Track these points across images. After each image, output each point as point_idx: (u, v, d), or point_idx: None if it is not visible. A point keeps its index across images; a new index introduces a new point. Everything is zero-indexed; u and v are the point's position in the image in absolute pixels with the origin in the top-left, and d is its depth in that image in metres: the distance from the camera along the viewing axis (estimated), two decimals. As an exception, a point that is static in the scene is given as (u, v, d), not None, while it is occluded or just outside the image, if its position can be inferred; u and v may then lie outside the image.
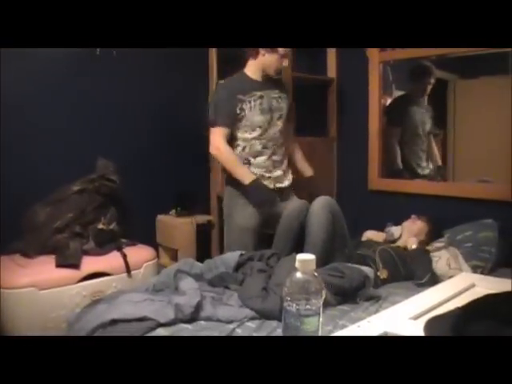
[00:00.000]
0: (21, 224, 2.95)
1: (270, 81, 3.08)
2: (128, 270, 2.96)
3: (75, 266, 2.77)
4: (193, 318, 1.97)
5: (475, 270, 2.66)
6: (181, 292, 2.13)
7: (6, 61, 2.96)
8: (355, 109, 3.11)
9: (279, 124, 3.06)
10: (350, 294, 2.22)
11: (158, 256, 3.39)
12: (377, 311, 1.98)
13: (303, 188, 3.15)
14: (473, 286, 1.75)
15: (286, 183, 3.07)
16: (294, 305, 1.16)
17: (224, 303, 2.13)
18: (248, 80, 3.03)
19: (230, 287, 2.32)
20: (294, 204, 2.85)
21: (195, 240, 3.77)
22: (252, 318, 1.99)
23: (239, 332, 1.89)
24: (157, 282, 2.37)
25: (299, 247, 2.68)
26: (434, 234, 3.03)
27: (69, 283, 2.71)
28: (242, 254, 2.56)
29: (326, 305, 2.06)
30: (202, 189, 4.10)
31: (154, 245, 3.66)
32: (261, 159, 2.99)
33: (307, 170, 3.21)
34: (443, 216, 3.10)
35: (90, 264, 2.84)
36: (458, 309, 1.14)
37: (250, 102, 2.98)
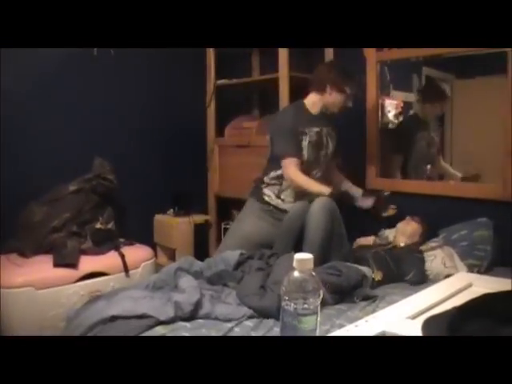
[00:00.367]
0: (18, 223, 2.95)
1: (325, 116, 3.11)
2: (126, 269, 2.97)
3: (73, 265, 2.78)
4: (191, 316, 1.97)
5: (471, 268, 2.67)
6: (180, 290, 2.13)
7: (3, 61, 2.96)
8: (352, 108, 3.11)
9: (323, 160, 3.12)
10: (348, 293, 2.23)
11: (155, 255, 3.39)
12: (374, 311, 1.98)
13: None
14: (470, 285, 1.75)
15: None
16: (292, 304, 1.16)
17: (222, 301, 2.13)
18: (307, 113, 3.05)
19: (229, 285, 2.33)
20: (296, 205, 2.86)
21: (193, 239, 3.79)
22: (250, 317, 1.99)
23: (237, 331, 1.89)
24: (157, 280, 2.38)
25: (299, 247, 2.69)
26: (428, 234, 3.03)
27: (66, 283, 2.72)
28: (242, 253, 2.57)
29: (324, 303, 2.06)
30: (200, 189, 4.11)
31: (152, 244, 3.67)
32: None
33: (357, 191, 3.21)
34: (439, 215, 3.11)
35: (87, 263, 2.84)
36: (456, 308, 1.15)
37: (307, 136, 3.01)
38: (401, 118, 3.65)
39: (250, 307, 2.04)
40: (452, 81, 3.46)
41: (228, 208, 4.10)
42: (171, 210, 3.88)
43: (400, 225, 3.05)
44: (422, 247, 2.89)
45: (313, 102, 3.05)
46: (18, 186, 3.01)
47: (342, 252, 2.75)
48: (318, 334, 1.22)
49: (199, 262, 2.56)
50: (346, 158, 3.35)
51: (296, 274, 1.19)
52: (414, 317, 1.41)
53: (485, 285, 1.72)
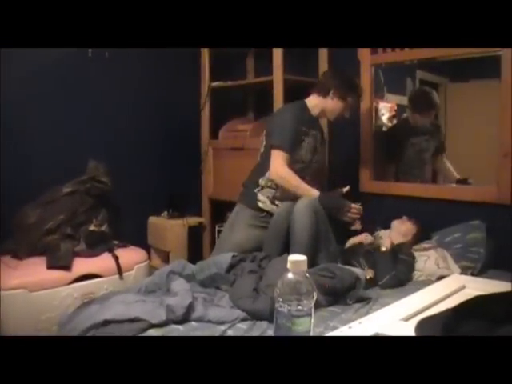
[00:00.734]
0: (12, 225, 2.94)
1: (318, 121, 3.15)
2: (119, 271, 2.96)
3: (66, 267, 2.77)
4: (184, 319, 1.97)
5: (465, 270, 2.68)
6: (172, 293, 2.13)
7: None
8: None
9: (316, 165, 3.11)
10: (341, 295, 2.23)
11: (149, 258, 3.38)
12: (367, 313, 1.99)
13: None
14: (463, 287, 1.76)
15: None
16: (286, 305, 1.17)
17: (215, 304, 2.13)
18: (309, 114, 3.05)
19: (222, 288, 2.33)
20: (280, 207, 2.86)
21: (187, 242, 3.78)
22: (243, 320, 1.99)
23: (230, 333, 1.89)
24: (149, 283, 2.37)
25: (288, 248, 2.69)
26: (421, 237, 3.04)
27: (60, 285, 2.71)
28: (234, 256, 2.56)
29: (317, 305, 2.06)
30: (194, 191, 4.11)
31: (146, 247, 3.67)
32: None
33: None
34: (433, 218, 3.12)
35: (81, 266, 2.84)
36: (449, 310, 1.15)
37: (307, 137, 3.01)
38: (394, 121, 3.66)
39: (243, 310, 2.03)
40: (446, 84, 3.47)
41: (222, 210, 4.10)
42: (165, 213, 3.88)
43: (395, 222, 3.06)
44: (415, 247, 2.91)
45: (314, 104, 3.05)
46: (11, 188, 3.01)
47: (330, 251, 2.75)
48: (311, 335, 1.23)
49: (192, 265, 2.55)
50: (340, 161, 3.36)
51: (290, 275, 1.20)
52: (407, 319, 1.41)
53: (478, 287, 1.73)
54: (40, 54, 3.03)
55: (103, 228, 3.16)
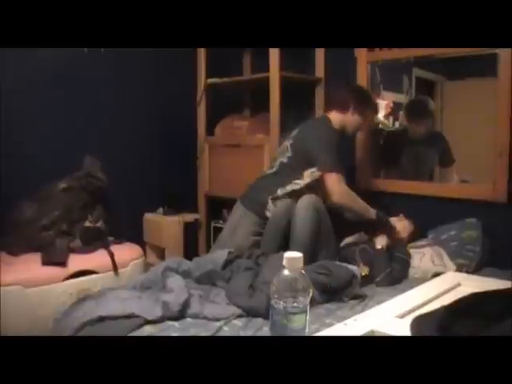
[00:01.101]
0: (7, 221, 2.93)
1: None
2: (115, 268, 2.95)
3: (61, 264, 2.76)
4: (180, 316, 1.96)
5: (460, 268, 2.68)
6: (168, 289, 2.13)
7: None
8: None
9: None
10: (337, 292, 2.23)
11: (145, 254, 3.38)
12: (363, 310, 1.99)
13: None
14: (458, 285, 1.76)
15: None
16: (282, 302, 1.17)
17: (211, 301, 2.13)
18: (335, 130, 3.05)
19: (218, 284, 2.33)
20: (281, 204, 2.85)
21: (182, 239, 3.78)
22: (239, 316, 1.99)
23: (226, 330, 1.88)
24: (144, 280, 2.37)
25: (287, 246, 2.68)
26: (417, 235, 3.05)
27: (55, 281, 2.70)
28: (230, 252, 2.56)
29: (313, 303, 2.07)
30: (190, 187, 4.10)
31: (141, 243, 3.66)
32: None
33: None
34: (429, 215, 3.13)
35: (76, 262, 2.83)
36: (444, 307, 1.15)
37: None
38: (391, 119, 3.65)
39: (238, 307, 2.03)
40: (442, 82, 3.47)
41: (218, 207, 4.10)
42: (161, 209, 3.88)
43: (392, 219, 3.06)
44: (411, 245, 2.92)
45: (336, 120, 3.05)
46: (7, 184, 3.00)
47: (330, 250, 2.75)
48: (307, 332, 1.23)
49: (187, 262, 2.55)
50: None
51: (286, 272, 1.20)
52: (402, 316, 1.41)
53: (473, 284, 1.73)
54: (35, 50, 3.01)
55: (99, 224, 3.16)
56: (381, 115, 3.63)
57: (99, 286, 2.78)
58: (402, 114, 3.67)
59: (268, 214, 2.92)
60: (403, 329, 1.20)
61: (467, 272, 2.63)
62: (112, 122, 3.61)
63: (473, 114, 3.19)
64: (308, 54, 3.76)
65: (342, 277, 2.27)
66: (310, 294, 1.19)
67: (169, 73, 3.92)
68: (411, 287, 1.84)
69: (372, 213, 2.95)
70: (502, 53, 2.79)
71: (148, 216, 3.90)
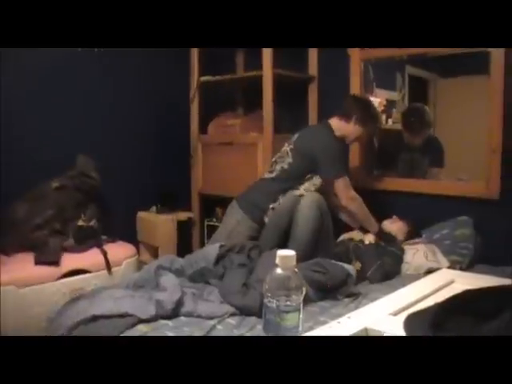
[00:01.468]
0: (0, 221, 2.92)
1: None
2: (108, 267, 2.95)
3: (55, 263, 2.75)
4: (173, 314, 1.96)
5: (454, 265, 2.69)
6: (162, 288, 2.12)
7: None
8: (336, 106, 3.12)
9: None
10: (332, 291, 2.23)
11: (138, 253, 3.37)
12: (357, 307, 1.99)
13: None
14: (452, 281, 1.76)
15: None
16: (275, 301, 1.17)
17: (205, 299, 2.13)
18: (336, 136, 3.05)
19: (211, 282, 2.32)
20: (285, 200, 2.85)
21: (176, 237, 3.77)
22: (232, 315, 1.99)
23: (220, 328, 1.88)
24: (138, 278, 2.36)
25: (286, 243, 2.69)
26: (413, 235, 3.06)
27: (48, 281, 2.69)
28: (221, 246, 2.56)
29: (308, 300, 2.07)
30: (183, 186, 4.10)
31: (135, 242, 3.66)
32: None
33: None
34: (421, 213, 3.14)
35: (69, 261, 2.82)
36: (437, 305, 1.15)
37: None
38: (384, 116, 3.65)
39: (232, 305, 2.03)
40: (435, 80, 3.48)
41: (211, 205, 4.10)
42: (154, 208, 3.87)
43: (386, 222, 3.07)
44: (404, 243, 2.93)
45: (337, 127, 3.05)
46: (1, 183, 2.99)
47: (328, 249, 2.75)
48: (300, 330, 1.23)
49: (180, 260, 2.54)
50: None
51: (278, 270, 1.19)
52: (396, 313, 1.41)
53: (466, 281, 1.73)
54: (28, 49, 3.00)
55: (92, 223, 3.15)
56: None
57: (92, 285, 2.78)
58: (395, 111, 3.68)
59: (266, 220, 2.92)
60: (397, 326, 1.20)
61: (461, 269, 2.64)
62: (105, 120, 3.60)
63: (465, 112, 3.19)
64: (301, 52, 3.76)
65: (338, 275, 2.27)
66: (303, 293, 1.19)
67: (162, 71, 3.92)
68: (404, 284, 1.84)
69: (374, 225, 2.99)
70: (494, 51, 2.80)
71: (141, 214, 3.89)
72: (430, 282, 1.76)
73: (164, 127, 3.94)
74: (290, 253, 1.20)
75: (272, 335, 1.21)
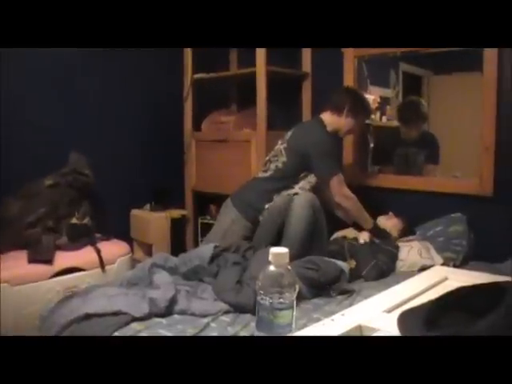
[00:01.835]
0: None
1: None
2: (102, 265, 2.94)
3: (48, 261, 2.74)
4: (167, 312, 1.96)
5: (447, 261, 2.70)
6: (155, 286, 2.12)
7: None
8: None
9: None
10: (325, 288, 2.23)
11: (132, 251, 3.37)
12: (351, 305, 1.99)
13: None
14: (445, 279, 1.76)
15: None
16: (268, 298, 1.16)
17: (198, 297, 2.12)
18: (328, 131, 3.05)
19: (205, 280, 2.32)
20: (278, 199, 2.85)
21: (170, 235, 3.77)
22: (226, 312, 1.99)
23: (214, 326, 1.88)
24: (131, 276, 2.36)
25: (280, 242, 2.68)
26: (407, 232, 3.07)
27: (42, 279, 2.68)
28: (216, 246, 2.55)
29: (301, 298, 2.07)
30: (177, 183, 4.09)
31: (129, 239, 3.65)
32: None
33: None
34: (415, 210, 3.14)
35: (63, 259, 2.82)
36: (431, 302, 1.15)
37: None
38: (378, 114, 3.66)
39: (226, 303, 2.03)
40: (429, 77, 3.48)
41: (205, 203, 4.09)
42: (148, 205, 3.86)
43: (381, 218, 3.08)
44: (398, 240, 2.93)
45: (329, 121, 3.05)
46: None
47: (322, 248, 2.75)
48: (293, 328, 1.22)
49: (174, 258, 2.54)
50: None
51: (271, 268, 1.19)
52: (389, 310, 1.41)
53: (460, 278, 1.73)
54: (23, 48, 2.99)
55: (85, 221, 3.14)
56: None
57: (86, 283, 2.77)
58: (389, 108, 3.68)
59: (261, 218, 2.92)
60: (391, 323, 1.20)
61: (454, 266, 2.65)
62: (99, 118, 3.59)
63: (459, 108, 3.21)
64: (295, 49, 3.76)
65: (331, 272, 2.27)
66: (297, 290, 1.19)
67: (155, 68, 3.91)
68: (398, 282, 1.84)
69: (369, 222, 2.99)
70: (487, 49, 2.80)
71: (135, 212, 3.88)
72: (424, 279, 1.76)
73: (158, 125, 3.93)
74: (282, 250, 1.20)
75: (265, 333, 1.21)
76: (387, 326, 1.22)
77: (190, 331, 1.82)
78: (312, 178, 2.96)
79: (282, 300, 1.15)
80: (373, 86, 3.66)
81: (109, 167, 3.54)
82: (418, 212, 3.12)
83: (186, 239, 4.16)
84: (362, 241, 2.86)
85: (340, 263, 2.42)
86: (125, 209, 3.83)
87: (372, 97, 3.61)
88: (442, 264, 2.62)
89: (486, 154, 2.85)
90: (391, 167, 3.54)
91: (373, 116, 3.59)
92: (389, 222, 3.06)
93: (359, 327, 1.28)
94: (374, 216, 3.06)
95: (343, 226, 3.14)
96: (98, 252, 2.96)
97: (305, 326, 1.78)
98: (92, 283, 2.72)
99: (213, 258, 2.46)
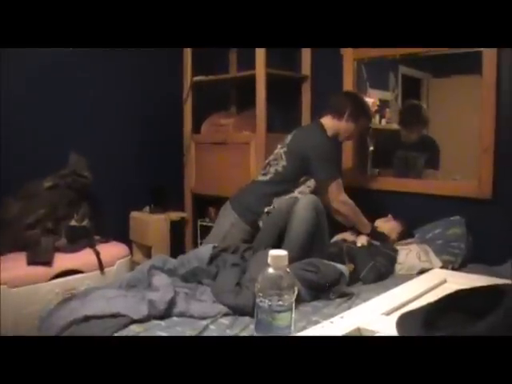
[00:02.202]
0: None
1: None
2: (101, 267, 2.94)
3: (47, 263, 2.74)
4: (166, 314, 1.96)
5: (446, 264, 2.70)
6: (154, 288, 2.12)
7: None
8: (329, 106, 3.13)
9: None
10: (324, 290, 2.23)
11: (131, 253, 3.37)
12: (349, 307, 1.99)
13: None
14: (444, 281, 1.76)
15: None
16: (267, 301, 1.16)
17: (197, 299, 2.12)
18: (328, 135, 3.05)
19: (203, 282, 2.31)
20: (283, 202, 2.84)
21: (169, 237, 3.77)
22: (225, 314, 1.99)
23: (212, 328, 1.88)
24: (130, 278, 2.36)
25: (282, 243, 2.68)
26: (406, 235, 3.07)
27: (41, 281, 2.68)
28: (215, 247, 2.55)
29: (300, 300, 2.06)
30: (176, 186, 4.09)
31: (128, 242, 3.65)
32: None
33: None
34: (414, 212, 3.14)
35: (62, 261, 2.82)
36: (430, 304, 1.15)
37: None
38: (377, 116, 3.66)
39: (225, 305, 2.03)
40: (428, 79, 3.49)
41: (204, 205, 4.09)
42: (147, 207, 3.86)
43: (379, 221, 3.07)
44: (397, 243, 2.93)
45: (329, 125, 3.05)
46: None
47: (323, 251, 2.74)
48: (292, 330, 1.22)
49: (173, 260, 2.54)
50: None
51: (270, 270, 1.19)
52: (388, 313, 1.41)
53: (459, 281, 1.73)
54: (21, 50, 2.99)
55: (84, 223, 3.14)
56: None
57: (85, 285, 2.77)
58: (388, 111, 3.68)
59: (261, 224, 2.91)
60: (389, 326, 1.20)
61: (453, 268, 2.65)
62: (98, 119, 3.59)
63: (458, 111, 3.20)
64: (294, 51, 3.77)
65: (330, 275, 2.27)
66: (295, 292, 1.19)
67: (155, 71, 3.91)
68: (397, 284, 1.84)
69: (367, 226, 3.00)
70: (487, 51, 2.81)
71: (134, 214, 3.88)
72: (423, 282, 1.76)
73: (157, 127, 3.93)
74: (281, 252, 1.20)
75: (264, 335, 1.21)
76: (386, 329, 1.23)
77: (188, 333, 1.82)
78: (311, 183, 2.95)
79: (281, 302, 1.15)
80: (372, 88, 3.66)
81: (108, 169, 3.54)
82: (417, 215, 3.12)
83: (185, 242, 4.16)
84: (359, 244, 2.86)
85: (340, 266, 2.42)
86: (124, 211, 3.83)
87: (371, 100, 3.61)
88: (441, 267, 2.61)
89: (485, 156, 2.85)
90: (391, 170, 3.53)
91: (372, 119, 3.59)
92: (387, 225, 3.06)
93: (358, 330, 1.28)
94: (373, 219, 3.06)
95: (343, 228, 3.14)
96: (97, 254, 2.96)
97: (304, 328, 1.77)
98: (91, 285, 2.72)
99: (211, 259, 2.46)
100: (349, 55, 3.48)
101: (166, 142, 4.00)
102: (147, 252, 3.78)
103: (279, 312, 1.16)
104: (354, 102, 3.08)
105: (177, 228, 3.94)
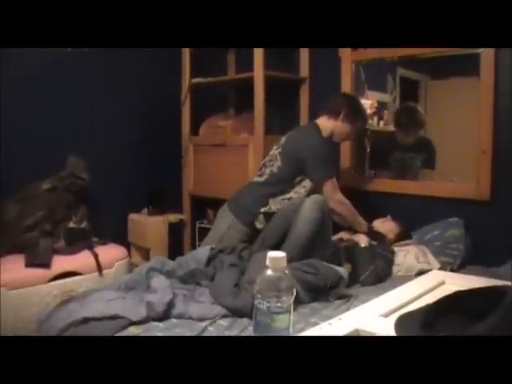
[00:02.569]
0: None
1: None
2: (99, 269, 2.94)
3: (45, 265, 2.74)
4: (165, 316, 1.96)
5: (444, 266, 2.70)
6: (152, 290, 2.12)
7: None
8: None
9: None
10: (323, 292, 2.23)
11: (129, 255, 3.36)
12: (348, 309, 1.99)
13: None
14: (442, 283, 1.77)
15: None
16: (265, 302, 1.16)
17: (196, 300, 2.12)
18: (323, 136, 3.05)
19: (202, 283, 2.31)
20: (290, 202, 2.83)
21: (167, 239, 3.76)
22: (224, 316, 1.99)
23: (211, 330, 1.88)
24: (129, 280, 2.36)
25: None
26: (404, 236, 3.07)
27: (39, 283, 2.68)
28: (212, 248, 2.55)
29: (299, 302, 2.07)
30: (174, 188, 4.09)
31: (126, 244, 3.65)
32: None
33: None
34: (412, 214, 3.14)
35: (60, 263, 2.81)
36: (428, 305, 1.15)
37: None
38: (375, 118, 3.67)
39: (223, 306, 2.03)
40: (426, 81, 3.49)
41: (203, 207, 4.09)
42: (145, 209, 3.86)
43: (376, 222, 3.08)
44: (395, 244, 2.93)
45: (325, 126, 3.05)
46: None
47: (325, 251, 2.73)
48: (291, 332, 1.22)
49: (171, 262, 2.54)
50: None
51: (269, 272, 1.19)
52: (387, 315, 1.41)
53: (457, 282, 1.73)
54: (21, 50, 2.99)
55: (83, 225, 3.14)
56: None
57: (84, 287, 2.77)
58: (386, 113, 3.69)
59: (258, 225, 2.92)
60: (388, 327, 1.20)
61: (451, 270, 2.65)
62: (96, 121, 3.59)
63: (456, 113, 3.21)
64: (292, 53, 3.77)
65: (330, 277, 2.27)
66: (294, 294, 1.19)
67: (154, 72, 3.91)
68: (395, 286, 1.85)
69: (363, 225, 3.01)
70: (485, 53, 2.82)
71: (132, 216, 3.88)
72: (421, 284, 1.76)
73: (155, 129, 3.93)
74: (280, 254, 1.20)
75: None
76: (384, 330, 1.23)
77: (187, 335, 1.82)
78: (307, 183, 2.95)
79: (279, 304, 1.15)
80: (370, 90, 3.66)
81: (106, 171, 3.53)
82: (415, 216, 3.12)
83: (183, 243, 4.16)
84: (362, 245, 2.86)
85: (339, 269, 2.42)
86: (122, 213, 3.83)
87: (369, 101, 3.62)
88: (439, 268, 2.62)
89: (483, 157, 2.85)
90: (388, 171, 3.54)
91: (370, 121, 3.59)
92: (385, 225, 3.06)
93: (356, 331, 1.28)
94: (371, 220, 3.07)
95: (339, 228, 3.13)
96: (96, 256, 2.96)
97: (302, 330, 1.78)
98: (89, 287, 2.72)
99: (209, 261, 2.46)
100: (347, 57, 3.49)
101: (164, 144, 3.99)
102: (145, 254, 3.77)
103: (278, 314, 1.16)
104: (350, 102, 3.09)
105: (175, 230, 3.94)
